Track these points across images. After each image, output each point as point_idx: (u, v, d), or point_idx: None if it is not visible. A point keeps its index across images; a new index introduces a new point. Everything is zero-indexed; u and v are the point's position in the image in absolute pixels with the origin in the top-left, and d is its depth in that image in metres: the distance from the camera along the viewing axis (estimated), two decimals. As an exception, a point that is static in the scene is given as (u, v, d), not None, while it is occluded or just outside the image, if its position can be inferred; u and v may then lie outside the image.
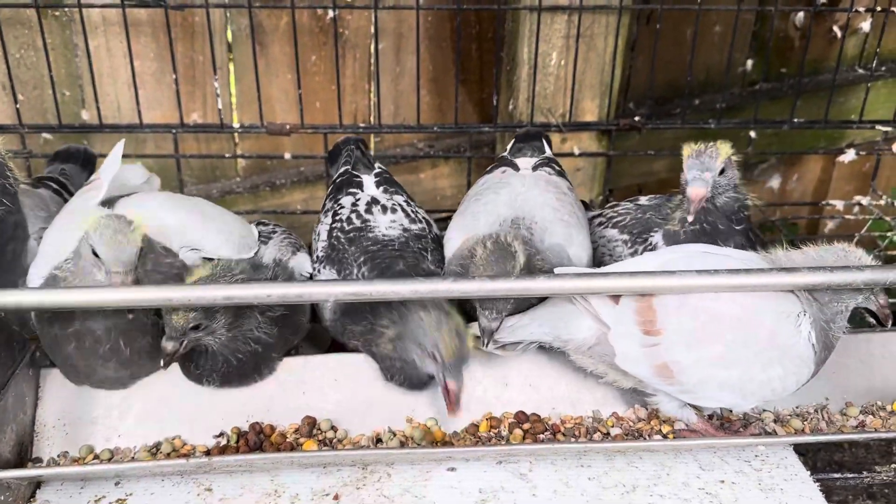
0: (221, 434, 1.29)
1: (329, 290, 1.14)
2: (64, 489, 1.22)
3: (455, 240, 1.40)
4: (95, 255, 1.13)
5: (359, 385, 1.35)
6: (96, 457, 1.27)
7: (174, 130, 2.03)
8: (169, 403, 1.29)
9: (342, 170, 1.60)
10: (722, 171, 1.34)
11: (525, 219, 1.37)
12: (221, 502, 1.21)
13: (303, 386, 1.35)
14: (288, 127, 2.04)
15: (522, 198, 1.42)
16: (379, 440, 1.30)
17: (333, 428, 1.31)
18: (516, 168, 1.56)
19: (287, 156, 2.13)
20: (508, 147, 1.69)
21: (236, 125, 2.07)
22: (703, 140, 1.37)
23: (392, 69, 2.22)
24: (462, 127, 2.09)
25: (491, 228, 1.35)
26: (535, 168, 1.55)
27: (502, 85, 2.12)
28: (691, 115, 2.25)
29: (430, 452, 1.22)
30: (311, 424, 1.30)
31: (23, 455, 1.23)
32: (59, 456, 1.26)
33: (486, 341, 1.25)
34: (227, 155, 2.19)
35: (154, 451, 1.27)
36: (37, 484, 1.22)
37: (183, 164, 2.12)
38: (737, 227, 1.37)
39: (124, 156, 2.07)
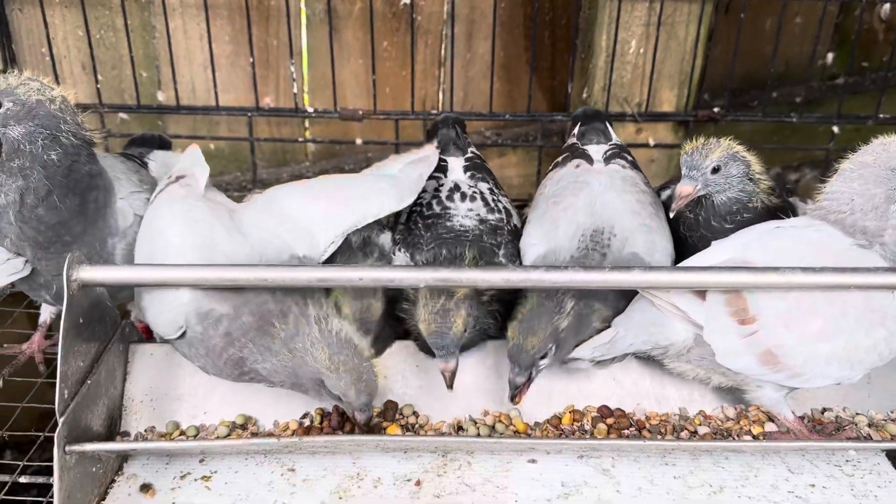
0: (306, 415, 1.30)
1: (419, 276, 1.13)
2: (150, 463, 1.24)
3: (536, 246, 1.37)
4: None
5: (436, 371, 1.34)
6: (182, 433, 1.28)
7: (249, 114, 2.05)
8: (253, 383, 1.28)
9: None
10: (717, 170, 1.32)
11: (604, 230, 1.32)
12: (305, 483, 1.21)
13: (384, 370, 1.35)
14: (360, 112, 2.04)
15: (601, 202, 1.38)
16: (460, 428, 1.29)
17: (415, 413, 1.30)
18: (590, 160, 1.51)
19: (358, 141, 2.13)
20: (574, 132, 1.65)
21: (310, 110, 2.08)
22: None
23: (463, 55, 2.20)
24: (534, 115, 2.06)
25: (571, 240, 1.32)
26: (607, 160, 1.51)
27: (576, 73, 2.08)
28: (769, 109, 2.19)
29: (515, 442, 1.21)
30: (393, 409, 1.29)
31: (112, 428, 1.26)
32: (146, 430, 1.28)
33: (510, 395, 1.24)
34: (299, 139, 2.20)
35: (238, 429, 1.29)
36: (124, 457, 1.24)
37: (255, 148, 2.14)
38: (727, 227, 1.34)
39: (199, 137, 2.14)
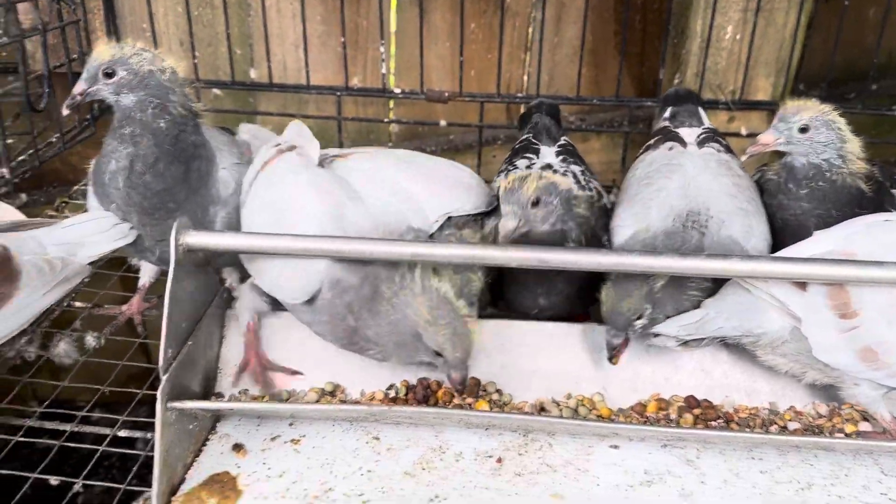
0: (391, 386, 1.33)
1: (511, 256, 1.14)
2: (242, 424, 1.29)
3: (626, 228, 1.35)
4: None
5: (523, 352, 1.34)
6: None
7: (338, 93, 2.08)
8: (343, 352, 1.31)
9: (523, 137, 1.60)
10: (804, 130, 1.32)
11: (700, 213, 1.30)
12: (389, 451, 1.24)
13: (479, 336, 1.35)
14: (446, 94, 2.05)
15: (695, 184, 1.35)
16: (542, 409, 1.29)
17: (499, 391, 1.31)
18: (683, 143, 1.49)
19: (442, 123, 2.14)
20: (666, 114, 1.62)
21: (397, 91, 2.10)
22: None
23: (550, 39, 2.19)
24: (623, 100, 2.04)
25: (664, 221, 1.30)
26: (700, 143, 1.48)
27: (668, 58, 2.04)
28: (869, 101, 2.09)
29: (600, 426, 1.21)
30: (476, 385, 1.31)
31: (208, 389, 1.31)
32: (239, 393, 1.33)
33: (608, 356, 1.25)
34: (384, 119, 2.22)
35: (327, 395, 1.32)
36: (217, 417, 1.30)
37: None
38: (801, 192, 1.34)
39: (289, 115, 2.18)
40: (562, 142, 1.58)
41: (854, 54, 2.13)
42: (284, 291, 1.27)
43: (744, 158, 1.39)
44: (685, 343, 1.24)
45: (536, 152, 1.53)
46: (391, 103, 2.24)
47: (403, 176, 1.36)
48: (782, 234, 1.35)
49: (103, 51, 1.28)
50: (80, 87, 1.29)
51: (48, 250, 1.26)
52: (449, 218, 1.31)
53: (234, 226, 1.38)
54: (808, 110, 1.32)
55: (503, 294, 1.39)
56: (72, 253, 1.30)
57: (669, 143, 1.48)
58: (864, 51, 2.02)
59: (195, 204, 1.37)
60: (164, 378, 1.13)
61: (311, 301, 1.24)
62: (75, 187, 1.98)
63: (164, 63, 1.32)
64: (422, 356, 1.21)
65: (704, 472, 1.20)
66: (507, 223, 1.24)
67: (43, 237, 1.28)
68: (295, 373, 1.35)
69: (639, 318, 1.21)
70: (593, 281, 1.28)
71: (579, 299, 1.36)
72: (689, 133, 1.51)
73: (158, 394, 1.12)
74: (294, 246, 1.15)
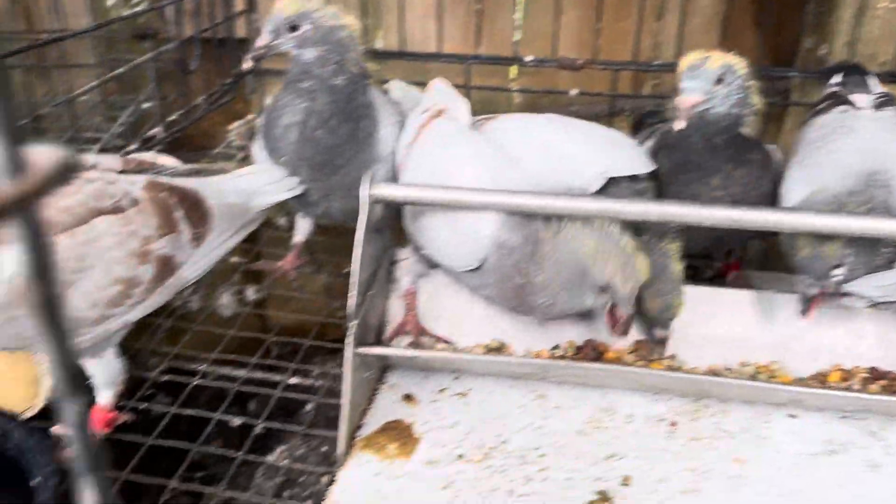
0: (556, 347, 1.32)
1: (707, 214, 1.12)
2: (409, 376, 1.31)
3: (797, 192, 1.29)
4: None
5: (694, 318, 1.29)
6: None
7: (468, 61, 2.08)
8: (507, 311, 1.31)
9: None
10: None
11: (879, 172, 1.23)
12: (557, 409, 1.24)
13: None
14: (579, 62, 2.02)
15: (873, 145, 1.29)
16: (716, 375, 1.27)
17: (671, 356, 1.30)
18: (854, 107, 1.43)
19: (573, 91, 2.12)
20: (834, 80, 1.55)
21: (528, 58, 2.08)
22: None
23: (683, 7, 2.13)
24: (766, 70, 1.96)
25: (839, 182, 1.24)
26: (877, 107, 1.42)
27: (810, 28, 1.97)
28: None
29: (780, 389, 1.19)
30: (644, 348, 1.29)
31: (379, 340, 1.33)
32: (406, 346, 1.34)
33: (802, 309, 1.20)
34: (512, 88, 2.21)
35: (493, 352, 1.33)
36: (385, 368, 1.32)
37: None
38: None
39: (416, 83, 2.19)
40: None
41: None
42: (454, 259, 1.27)
43: None
44: (874, 305, 1.19)
45: None
46: (513, 72, 2.22)
47: (556, 137, 1.33)
48: None
49: (287, 4, 1.30)
50: (263, 39, 1.31)
51: (228, 197, 1.29)
52: (609, 181, 1.29)
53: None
54: None
55: None
56: (246, 201, 1.33)
57: (842, 107, 1.42)
58: None
59: (360, 162, 1.38)
60: (352, 324, 1.15)
61: (478, 267, 1.25)
62: (216, 150, 2.03)
63: (344, 21, 1.33)
64: (587, 297, 1.17)
65: (890, 444, 1.17)
66: (690, 97, 1.22)
67: (222, 184, 1.31)
68: (448, 342, 1.35)
69: (838, 266, 1.16)
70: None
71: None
72: (860, 98, 1.45)
73: (347, 339, 1.15)
74: (481, 200, 1.15)
